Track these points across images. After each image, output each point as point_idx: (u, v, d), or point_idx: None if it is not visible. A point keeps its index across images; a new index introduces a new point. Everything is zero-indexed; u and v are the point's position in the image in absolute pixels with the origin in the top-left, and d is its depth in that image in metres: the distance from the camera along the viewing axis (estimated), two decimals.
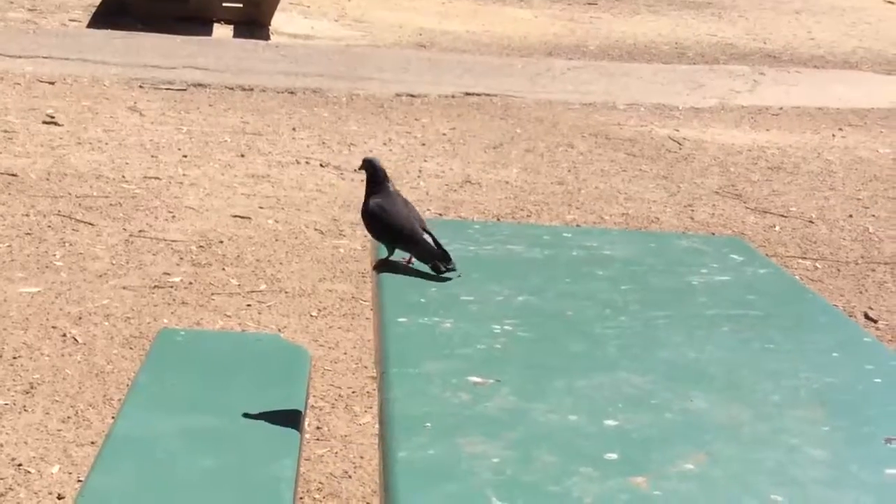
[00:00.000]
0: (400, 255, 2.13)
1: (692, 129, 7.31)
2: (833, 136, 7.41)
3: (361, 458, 3.12)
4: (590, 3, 12.21)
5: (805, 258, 5.09)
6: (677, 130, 7.22)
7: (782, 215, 5.66)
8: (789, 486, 1.40)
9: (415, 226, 2.07)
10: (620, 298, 2.05)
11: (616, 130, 7.10)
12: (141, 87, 7.21)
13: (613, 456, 1.44)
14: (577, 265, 2.24)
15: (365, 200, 2.13)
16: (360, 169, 2.18)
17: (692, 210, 5.62)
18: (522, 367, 1.72)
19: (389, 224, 2.07)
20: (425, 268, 2.09)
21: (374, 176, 2.13)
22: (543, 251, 2.32)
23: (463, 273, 2.10)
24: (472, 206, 5.38)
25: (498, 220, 5.19)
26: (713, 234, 5.23)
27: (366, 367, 3.64)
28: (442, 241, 2.10)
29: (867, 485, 1.42)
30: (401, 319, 1.87)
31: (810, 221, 5.61)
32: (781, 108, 8.06)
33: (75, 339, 3.67)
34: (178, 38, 8.59)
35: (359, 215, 5.17)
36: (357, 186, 5.54)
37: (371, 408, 3.38)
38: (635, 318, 1.96)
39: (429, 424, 1.49)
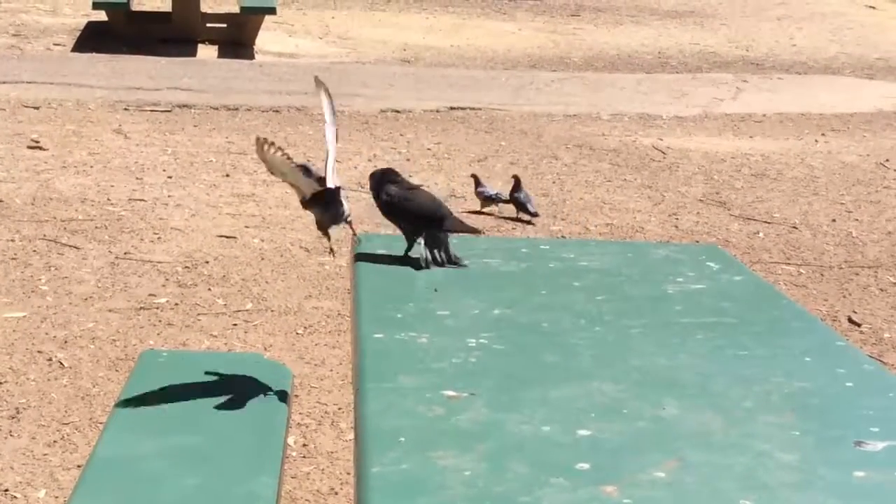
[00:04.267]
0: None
1: (676, 137, 7.34)
2: (816, 141, 7.45)
3: (348, 474, 3.12)
4: (573, 15, 12.27)
5: (789, 264, 5.11)
6: (661, 139, 7.25)
7: (766, 221, 5.69)
8: (759, 490, 1.42)
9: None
10: (595, 309, 2.07)
11: (600, 141, 7.13)
12: (126, 109, 7.22)
13: (585, 466, 1.46)
14: (554, 277, 2.26)
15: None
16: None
17: (677, 219, 5.64)
18: (497, 379, 1.74)
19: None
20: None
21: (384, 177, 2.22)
22: (520, 264, 2.34)
23: (440, 288, 2.12)
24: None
25: (483, 233, 5.20)
26: (697, 241, 5.25)
27: (351, 384, 3.64)
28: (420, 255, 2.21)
29: (836, 487, 1.44)
30: (377, 335, 1.88)
31: (794, 227, 5.63)
32: (765, 115, 8.10)
33: (61, 363, 3.68)
34: (163, 60, 8.61)
35: (344, 231, 5.18)
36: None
37: None
38: (610, 327, 1.98)
39: (403, 439, 1.51)
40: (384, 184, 2.21)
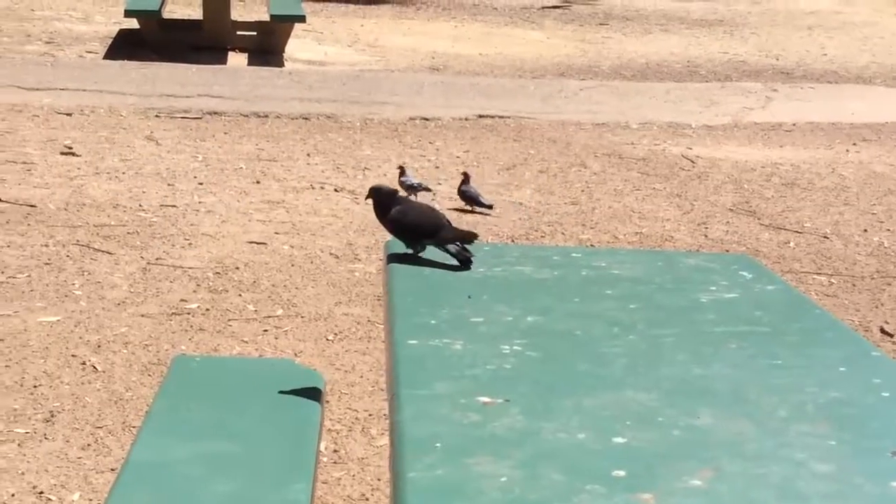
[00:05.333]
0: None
1: (705, 146, 7.32)
2: (847, 151, 7.41)
3: (379, 480, 3.13)
4: (601, 24, 12.26)
5: (820, 274, 5.09)
6: (690, 148, 7.23)
7: (797, 231, 5.67)
8: (794, 500, 1.42)
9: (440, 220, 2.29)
10: (628, 317, 2.07)
11: (629, 150, 7.12)
12: (157, 116, 7.28)
13: (621, 473, 1.46)
14: (586, 285, 2.26)
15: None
16: (367, 198, 2.32)
17: (706, 228, 5.63)
18: (531, 386, 1.74)
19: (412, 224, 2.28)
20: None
21: (387, 197, 2.30)
22: (553, 272, 2.34)
23: (473, 294, 2.13)
24: (487, 227, 5.41)
25: (512, 241, 5.22)
26: (727, 251, 5.23)
27: (381, 390, 3.66)
28: (453, 262, 2.27)
29: (872, 498, 1.44)
30: (411, 341, 1.89)
31: (825, 237, 5.61)
32: (795, 125, 8.07)
33: (94, 367, 3.71)
34: (194, 68, 8.68)
35: (374, 239, 5.21)
36: (370, 210, 5.57)
37: (388, 430, 3.39)
38: (642, 336, 1.98)
39: (438, 445, 1.51)
40: (390, 204, 2.29)
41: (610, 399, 1.70)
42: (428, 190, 5.64)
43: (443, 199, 5.84)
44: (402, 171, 5.73)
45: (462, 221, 5.50)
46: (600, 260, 2.46)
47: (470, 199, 5.57)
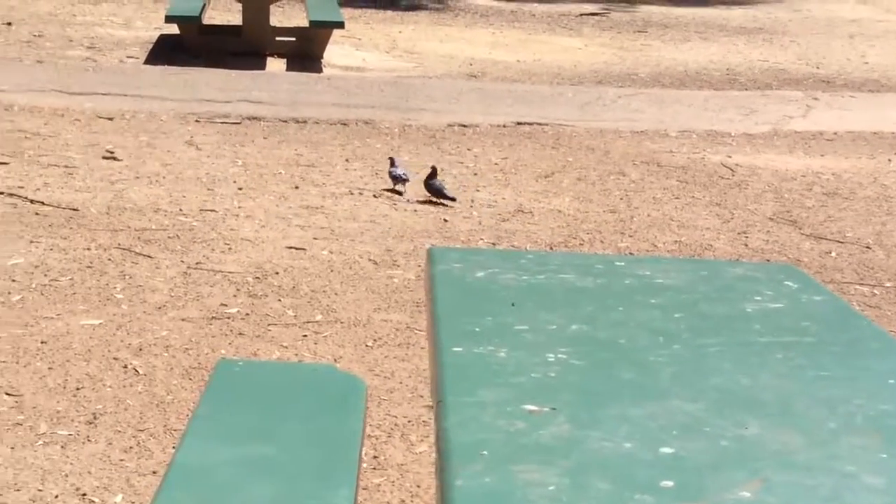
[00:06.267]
0: None
1: (745, 155, 7.28)
2: (889, 160, 7.34)
3: (418, 486, 3.14)
4: (639, 31, 12.23)
5: (862, 284, 5.05)
6: (730, 157, 7.20)
7: (838, 241, 5.63)
8: None
9: None
10: (673, 326, 2.07)
11: (668, 158, 7.10)
12: (197, 121, 7.34)
13: (669, 483, 1.46)
14: (630, 294, 2.26)
15: None
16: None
17: (746, 237, 5.60)
18: (576, 395, 1.74)
19: None
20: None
21: None
22: (596, 280, 2.34)
23: (517, 302, 2.14)
24: (525, 235, 5.41)
25: (551, 248, 5.22)
26: (768, 260, 5.20)
27: (421, 397, 3.67)
28: (494, 271, 2.30)
29: None
30: (455, 349, 1.90)
31: (867, 247, 5.56)
32: (836, 134, 8.01)
33: (136, 371, 3.74)
34: (233, 73, 8.74)
35: (412, 245, 5.24)
36: (409, 217, 5.60)
37: (427, 437, 3.40)
38: (688, 346, 1.98)
39: (485, 452, 1.52)
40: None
41: (656, 408, 1.69)
42: (406, 181, 5.94)
43: (481, 208, 5.85)
44: (392, 163, 6.02)
45: (500, 230, 5.50)
46: (644, 268, 2.46)
47: (435, 191, 5.85)
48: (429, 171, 5.94)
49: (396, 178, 5.94)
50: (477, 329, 2.00)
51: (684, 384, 1.80)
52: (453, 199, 5.86)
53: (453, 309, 2.12)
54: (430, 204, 5.85)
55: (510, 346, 1.92)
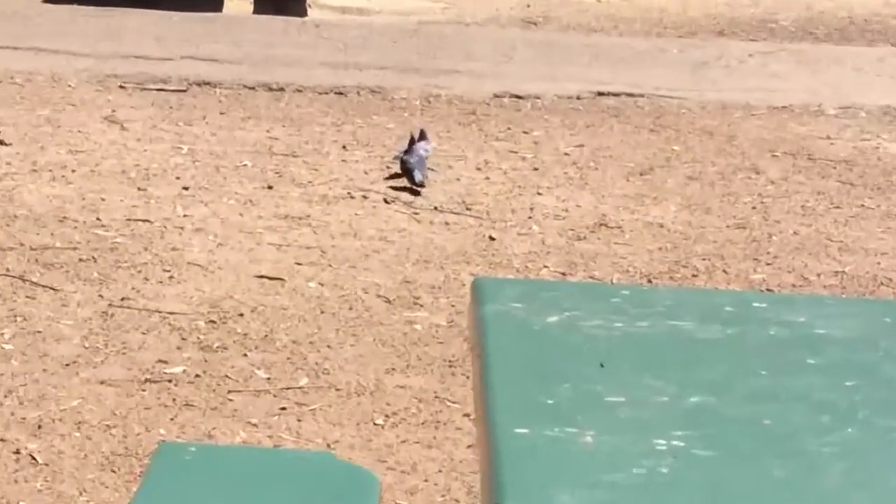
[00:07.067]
0: None
1: None
2: None
3: None
4: None
5: None
6: None
7: None
8: None
9: None
10: (844, 400, 2.07)
11: (824, 147, 7.09)
12: (122, 87, 7.40)
13: None
14: (777, 350, 2.26)
15: None
16: None
17: None
18: (702, 500, 1.75)
19: None
20: None
21: None
22: (725, 329, 2.35)
23: (608, 361, 2.14)
24: (611, 260, 5.41)
25: (650, 281, 5.22)
26: None
27: (457, 502, 3.67)
28: (574, 314, 2.31)
29: None
30: (519, 430, 1.91)
31: None
32: None
33: (33, 458, 3.76)
34: (175, 16, 8.81)
35: (442, 275, 5.28)
36: (437, 231, 5.62)
37: None
38: (867, 429, 1.98)
39: None
40: None
41: None
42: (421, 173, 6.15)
43: (545, 220, 5.86)
44: (413, 141, 6.26)
45: (574, 252, 5.51)
46: (797, 312, 2.46)
47: (406, 170, 6.13)
48: (417, 135, 6.20)
49: (409, 169, 6.09)
50: (550, 401, 2.01)
51: (862, 486, 1.80)
52: (420, 185, 6.06)
53: (514, 370, 2.12)
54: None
55: (600, 428, 1.92)
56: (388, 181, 6.20)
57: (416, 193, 6.01)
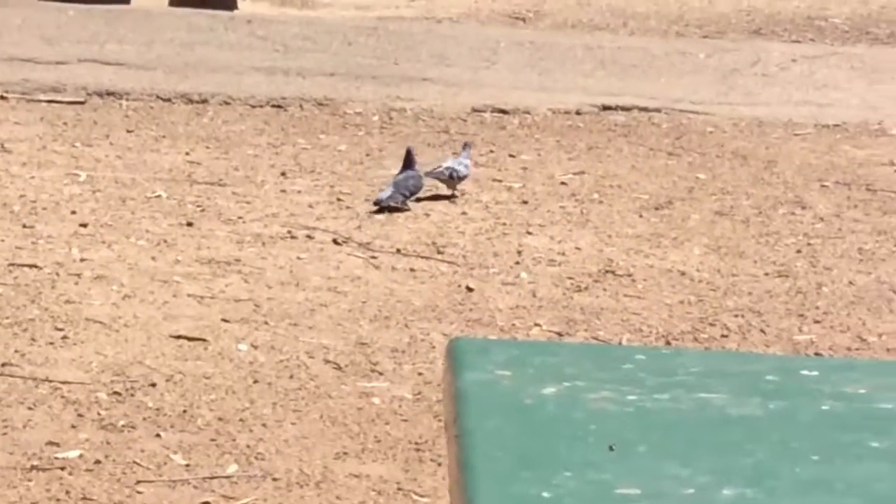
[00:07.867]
0: None
1: None
2: None
3: None
4: None
5: None
6: None
7: None
8: None
9: None
10: None
11: (885, 175, 7.12)
12: (2, 97, 7.39)
13: None
14: (832, 430, 2.27)
15: None
16: None
17: None
18: None
19: None
20: None
21: None
22: (766, 403, 2.35)
23: (619, 443, 2.14)
24: (620, 317, 5.42)
25: (669, 343, 5.22)
26: None
27: None
28: (575, 385, 2.34)
29: None
30: None
31: None
32: None
33: None
34: (71, 10, 8.82)
35: (408, 335, 5.31)
36: (399, 280, 5.61)
37: None
38: None
39: None
40: None
41: None
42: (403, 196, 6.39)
43: (537, 265, 5.87)
44: (407, 162, 6.45)
45: (573, 306, 5.52)
46: (855, 382, 2.47)
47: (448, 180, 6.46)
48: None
49: (382, 201, 6.30)
50: (546, 494, 2.01)
51: None
52: (404, 205, 6.32)
53: (500, 455, 2.12)
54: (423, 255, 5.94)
55: None
56: (340, 218, 6.20)
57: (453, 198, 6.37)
